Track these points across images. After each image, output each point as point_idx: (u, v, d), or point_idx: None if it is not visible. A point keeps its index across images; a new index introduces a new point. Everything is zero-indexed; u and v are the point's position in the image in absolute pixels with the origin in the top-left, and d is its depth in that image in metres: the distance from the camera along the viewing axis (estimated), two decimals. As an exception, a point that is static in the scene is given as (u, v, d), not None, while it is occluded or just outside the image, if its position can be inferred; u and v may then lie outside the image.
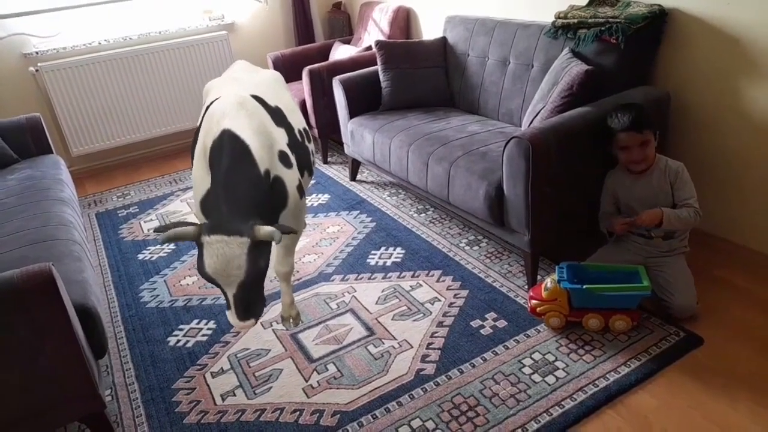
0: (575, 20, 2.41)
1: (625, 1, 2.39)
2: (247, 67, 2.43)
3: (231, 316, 1.69)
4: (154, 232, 1.72)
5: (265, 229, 1.61)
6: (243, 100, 1.90)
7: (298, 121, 2.16)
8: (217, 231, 1.60)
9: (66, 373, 1.50)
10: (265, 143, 1.83)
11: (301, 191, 1.98)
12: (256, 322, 1.72)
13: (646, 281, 1.93)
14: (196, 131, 1.96)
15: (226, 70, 2.51)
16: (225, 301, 1.70)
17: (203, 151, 1.81)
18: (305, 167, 2.10)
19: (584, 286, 1.94)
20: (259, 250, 1.65)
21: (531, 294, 2.09)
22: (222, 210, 1.67)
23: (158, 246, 2.91)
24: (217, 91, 2.05)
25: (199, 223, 1.70)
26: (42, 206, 2.28)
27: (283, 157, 1.90)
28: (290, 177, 1.91)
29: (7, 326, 1.39)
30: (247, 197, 1.70)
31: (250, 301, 1.70)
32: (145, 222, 3.21)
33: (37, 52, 3.68)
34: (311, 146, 2.21)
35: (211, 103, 1.94)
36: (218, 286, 1.68)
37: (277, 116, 2.01)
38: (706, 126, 2.32)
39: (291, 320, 2.21)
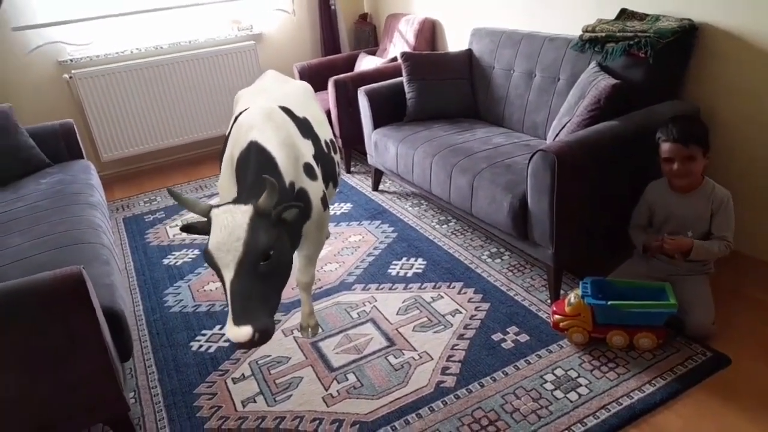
0: (603, 34, 2.39)
1: (654, 15, 2.37)
2: (277, 77, 2.46)
3: (228, 323, 1.49)
4: (180, 229, 1.71)
5: (265, 196, 1.58)
6: (271, 111, 1.92)
7: (325, 132, 2.18)
8: (225, 205, 1.62)
9: (93, 376, 1.53)
10: (290, 155, 1.85)
11: (325, 203, 2.00)
12: (253, 337, 1.45)
13: (672, 299, 1.90)
14: (225, 140, 1.99)
15: (254, 79, 2.52)
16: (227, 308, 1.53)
17: (230, 161, 1.84)
18: (330, 178, 2.12)
19: (609, 303, 1.92)
20: (262, 224, 1.58)
21: (554, 309, 2.07)
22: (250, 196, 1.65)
23: (183, 251, 2.95)
24: (247, 101, 2.08)
25: None
26: (72, 210, 2.34)
27: (308, 170, 1.91)
28: (315, 189, 1.92)
29: (38, 328, 1.43)
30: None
31: (250, 301, 1.51)
32: (171, 227, 3.26)
33: (71, 60, 3.78)
34: (337, 157, 2.23)
35: (240, 114, 1.97)
36: (218, 271, 1.57)
37: (304, 127, 2.02)
38: (737, 142, 2.28)
39: (309, 330, 2.22)
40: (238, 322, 1.46)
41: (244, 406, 1.89)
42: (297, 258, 2.09)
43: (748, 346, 1.93)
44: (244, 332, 1.45)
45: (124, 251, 3.04)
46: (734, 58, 2.19)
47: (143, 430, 1.83)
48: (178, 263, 2.85)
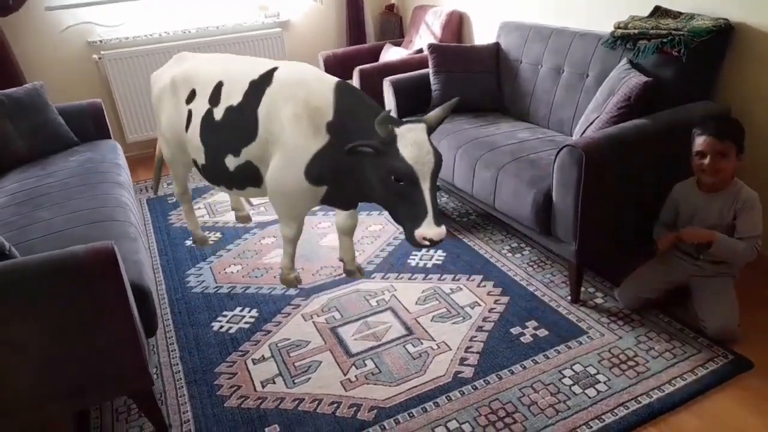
0: (636, 31, 2.37)
1: (688, 13, 2.34)
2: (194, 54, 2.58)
3: (426, 226, 1.77)
4: (347, 151, 1.84)
5: (433, 113, 1.89)
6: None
7: None
8: (401, 124, 1.84)
9: (120, 348, 1.56)
10: None
11: None
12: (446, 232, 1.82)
13: None
14: (245, 108, 2.08)
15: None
16: (413, 218, 1.80)
17: (307, 115, 1.96)
18: None
19: None
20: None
21: None
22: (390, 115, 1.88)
23: (206, 233, 2.99)
24: (224, 71, 2.23)
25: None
26: (101, 188, 2.38)
27: None
28: None
29: (70, 300, 1.46)
30: None
31: (437, 204, 1.83)
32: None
33: (101, 41, 3.84)
34: None
35: (270, 73, 2.08)
36: (413, 183, 1.78)
37: None
38: (768, 145, 2.25)
39: (358, 271, 2.48)
40: (440, 222, 1.79)
41: (263, 387, 1.92)
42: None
43: (770, 351, 1.91)
44: (444, 230, 1.80)
45: (148, 231, 3.08)
46: (770, 59, 2.16)
47: (165, 406, 1.87)
48: (200, 245, 2.89)
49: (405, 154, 1.76)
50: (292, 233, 2.27)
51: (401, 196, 1.82)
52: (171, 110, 2.38)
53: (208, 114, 2.18)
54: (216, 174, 2.26)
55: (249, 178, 2.17)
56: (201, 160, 2.28)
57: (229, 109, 2.11)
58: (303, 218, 2.27)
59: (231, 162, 2.15)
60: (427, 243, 1.79)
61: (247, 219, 3.03)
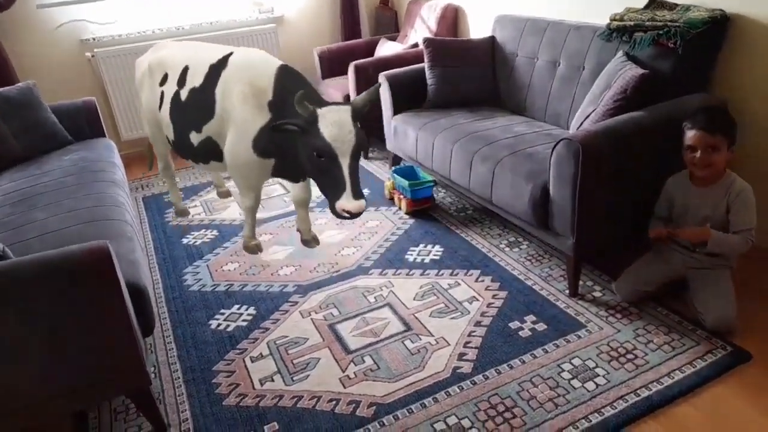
0: (631, 23, 2.36)
1: (684, 5, 2.33)
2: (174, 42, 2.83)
3: (345, 199, 1.99)
4: (272, 129, 2.10)
5: (359, 97, 2.09)
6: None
7: None
8: (325, 105, 2.04)
9: (117, 348, 1.55)
10: None
11: None
12: (366, 205, 2.04)
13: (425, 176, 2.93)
14: (205, 89, 2.31)
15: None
16: (333, 191, 2.02)
17: (252, 94, 2.17)
18: None
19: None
20: (357, 119, 2.04)
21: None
22: (322, 99, 2.12)
23: (202, 231, 2.98)
24: (190, 57, 2.47)
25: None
26: (96, 187, 2.36)
27: None
28: None
29: (66, 300, 1.45)
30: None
31: (359, 180, 2.03)
32: (189, 207, 3.28)
33: (93, 39, 3.81)
34: None
35: (226, 59, 2.31)
36: (332, 160, 1.98)
37: None
38: (765, 137, 2.24)
39: (313, 240, 2.70)
40: (358, 197, 2.01)
41: (261, 385, 1.91)
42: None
43: (768, 343, 1.92)
44: (363, 203, 2.02)
45: (144, 229, 3.07)
46: (767, 50, 2.15)
47: (163, 405, 1.86)
48: (197, 243, 2.87)
49: (325, 133, 1.96)
50: (250, 203, 2.50)
51: (324, 171, 2.03)
52: (148, 92, 2.65)
53: (176, 95, 2.43)
54: (183, 149, 2.51)
55: (210, 153, 2.41)
56: (171, 136, 2.54)
57: (193, 90, 2.35)
58: (259, 189, 2.51)
59: (194, 138, 2.39)
60: (347, 215, 2.01)
61: (227, 194, 3.27)
